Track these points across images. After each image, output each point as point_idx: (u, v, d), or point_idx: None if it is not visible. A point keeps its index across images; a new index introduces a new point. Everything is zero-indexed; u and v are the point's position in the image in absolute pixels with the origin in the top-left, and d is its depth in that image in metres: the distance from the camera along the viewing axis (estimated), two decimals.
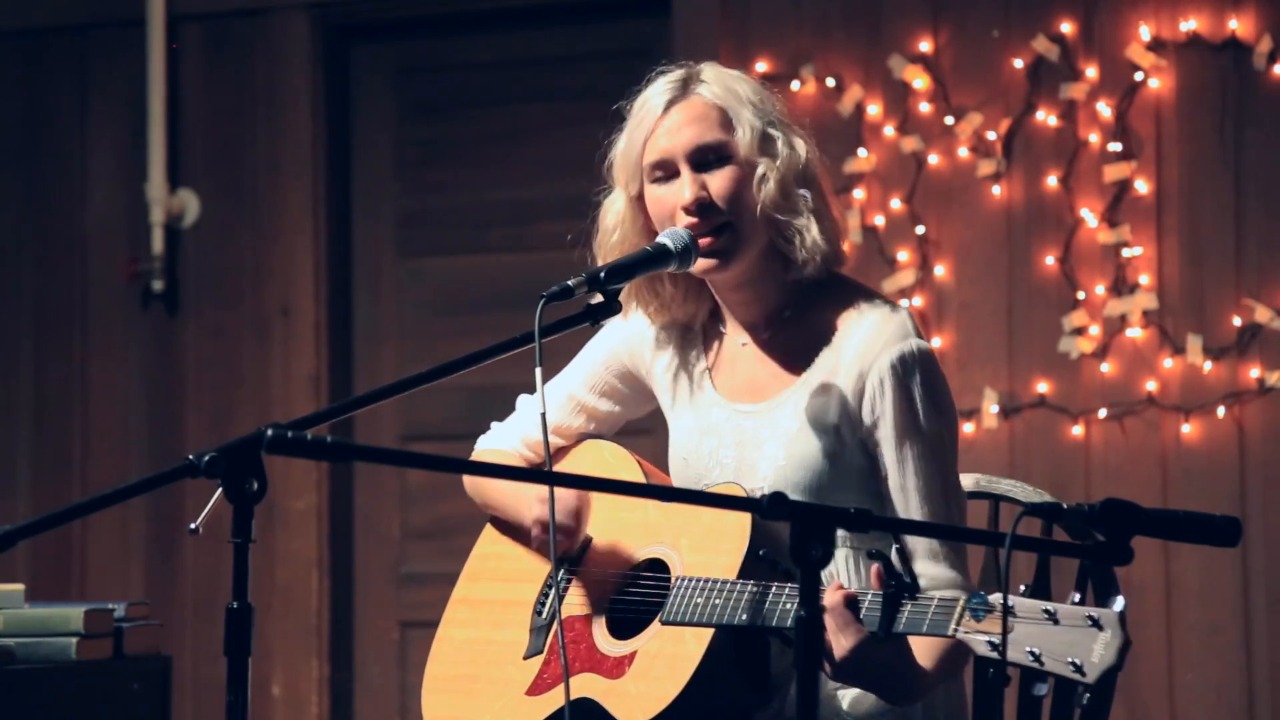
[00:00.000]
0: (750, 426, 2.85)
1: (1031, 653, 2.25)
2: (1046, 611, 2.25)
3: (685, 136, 2.81)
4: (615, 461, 2.97)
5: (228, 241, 5.60)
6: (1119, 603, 2.22)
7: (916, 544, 2.73)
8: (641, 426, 3.18)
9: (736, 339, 2.91)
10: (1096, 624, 2.21)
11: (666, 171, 2.82)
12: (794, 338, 2.85)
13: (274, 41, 5.59)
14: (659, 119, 2.83)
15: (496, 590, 2.98)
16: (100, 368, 5.66)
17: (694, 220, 2.78)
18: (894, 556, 2.43)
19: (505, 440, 3.10)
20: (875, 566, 2.43)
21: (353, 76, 5.71)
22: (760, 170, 2.79)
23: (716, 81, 2.84)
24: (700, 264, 2.80)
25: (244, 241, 5.59)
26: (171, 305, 5.62)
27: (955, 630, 2.33)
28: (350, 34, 5.69)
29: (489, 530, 3.09)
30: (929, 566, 2.72)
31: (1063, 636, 2.22)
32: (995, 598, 2.31)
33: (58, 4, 5.74)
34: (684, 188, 2.79)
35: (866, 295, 2.84)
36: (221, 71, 5.64)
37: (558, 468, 3.03)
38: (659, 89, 2.85)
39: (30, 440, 5.69)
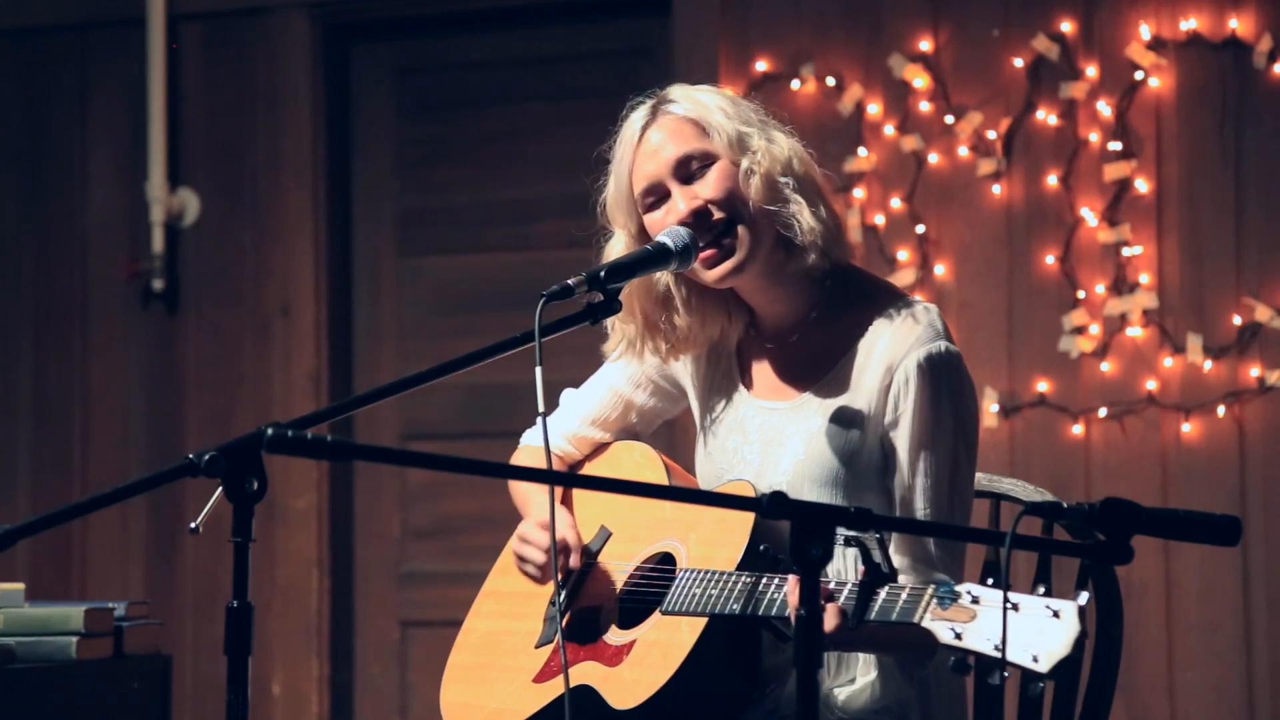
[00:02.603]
0: (776, 423, 2.87)
1: (990, 640, 2.26)
2: (1008, 600, 2.26)
3: (666, 154, 2.83)
4: (644, 462, 3.01)
5: (228, 241, 5.61)
6: (1082, 596, 2.24)
7: (913, 549, 2.74)
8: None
9: (766, 340, 2.92)
10: (1055, 615, 2.22)
11: (658, 195, 2.85)
12: (823, 337, 2.86)
13: (274, 41, 5.59)
14: (636, 148, 2.86)
15: (521, 583, 3.03)
16: (100, 367, 5.66)
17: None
18: (873, 545, 2.44)
19: (550, 436, 3.10)
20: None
21: (353, 76, 5.71)
22: (745, 166, 2.81)
23: (683, 98, 2.87)
24: (717, 271, 2.81)
25: (244, 241, 5.59)
26: (171, 305, 5.62)
27: (922, 618, 2.35)
28: (350, 34, 5.69)
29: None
30: (923, 571, 2.73)
31: (1022, 626, 2.24)
32: (962, 587, 2.33)
33: (58, 4, 5.74)
34: (677, 203, 2.82)
35: (896, 295, 2.86)
36: (221, 71, 5.64)
37: (594, 465, 3.08)
38: (631, 122, 2.88)
39: (30, 440, 5.70)
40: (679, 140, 2.83)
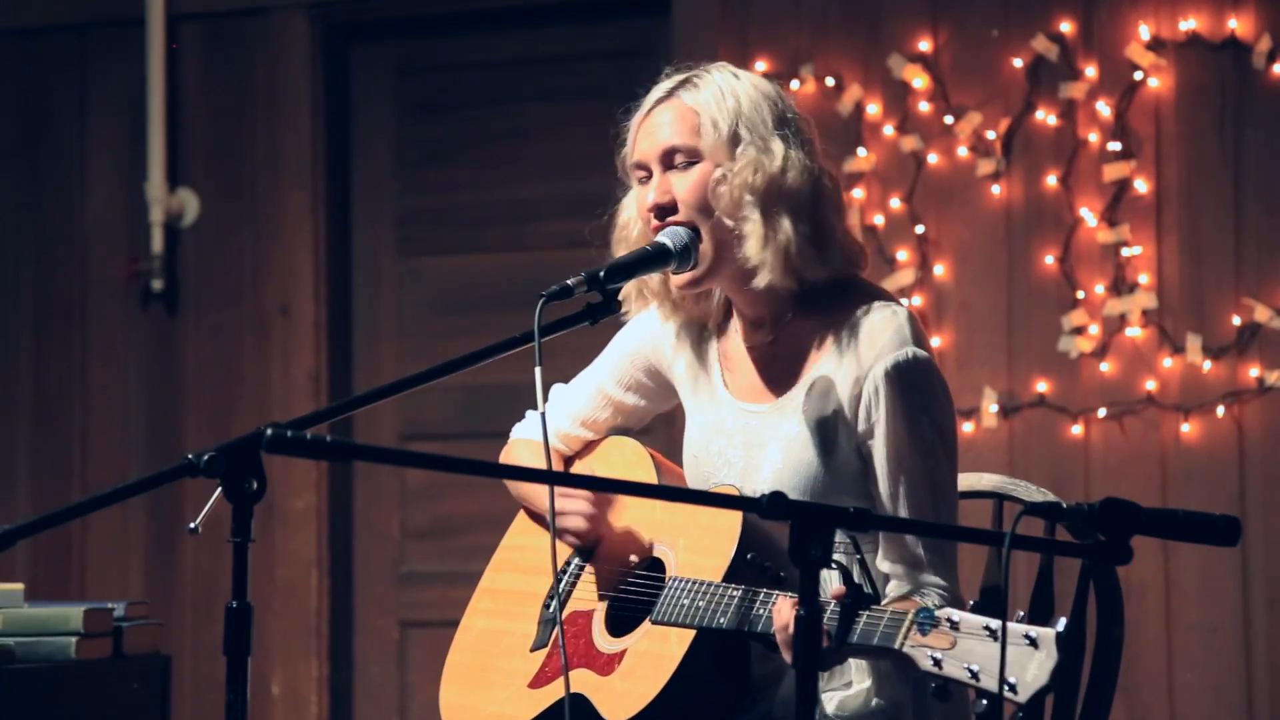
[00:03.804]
0: (756, 427, 2.86)
1: (970, 669, 2.25)
2: (987, 628, 2.26)
3: (659, 139, 2.83)
4: (634, 459, 3.00)
5: (227, 241, 5.61)
6: (1060, 623, 2.22)
7: (901, 554, 2.74)
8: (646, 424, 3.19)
9: (746, 339, 2.91)
10: (1033, 643, 2.21)
11: (645, 171, 2.85)
12: (799, 339, 2.85)
13: (274, 41, 5.59)
14: (643, 120, 2.86)
15: (516, 581, 3.02)
16: (100, 368, 5.66)
17: (657, 224, 2.81)
18: (854, 568, 2.43)
19: (539, 431, 3.09)
20: (834, 585, 2.44)
21: (353, 76, 5.71)
22: (718, 173, 2.79)
23: (707, 85, 2.84)
24: (675, 280, 2.82)
25: (244, 241, 5.59)
26: (171, 305, 5.62)
27: (902, 644, 2.34)
28: (350, 34, 5.69)
29: (519, 520, 3.13)
30: (912, 577, 2.73)
31: (999, 654, 2.22)
32: (942, 613, 2.32)
33: (58, 4, 5.74)
34: (648, 191, 2.83)
35: (871, 297, 2.83)
36: (221, 71, 5.64)
37: (584, 461, 3.08)
38: (653, 91, 2.88)
39: (30, 440, 5.69)
40: (674, 130, 2.81)
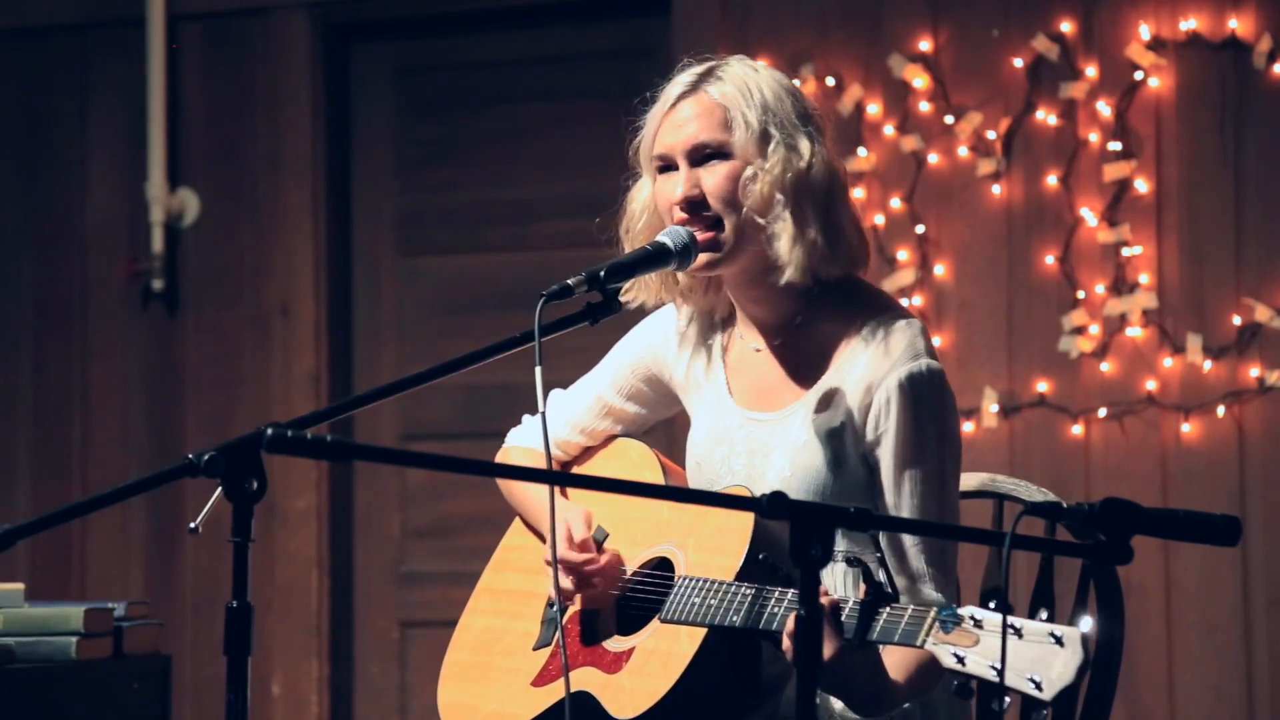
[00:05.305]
0: (761, 435, 2.85)
1: (993, 667, 2.25)
2: (1012, 626, 2.25)
3: (685, 133, 2.81)
4: (640, 461, 3.00)
5: (228, 241, 5.61)
6: (1085, 622, 2.23)
7: (904, 568, 2.73)
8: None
9: (751, 344, 2.90)
10: (1059, 641, 2.21)
11: (668, 164, 2.84)
12: (806, 346, 2.84)
13: (274, 41, 5.59)
14: (667, 113, 2.85)
15: (517, 581, 3.01)
16: (100, 367, 5.66)
17: (684, 217, 2.80)
18: (874, 565, 2.43)
19: (536, 437, 3.10)
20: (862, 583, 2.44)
21: (353, 76, 5.71)
22: (750, 171, 2.79)
23: (731, 79, 2.83)
24: (695, 260, 2.80)
25: (244, 241, 5.59)
26: (171, 305, 5.62)
27: (924, 641, 2.34)
28: (350, 34, 5.69)
29: (518, 522, 3.13)
30: (915, 591, 2.72)
31: (1025, 652, 2.22)
32: (965, 610, 2.32)
33: (58, 4, 5.74)
34: (677, 184, 2.81)
35: (881, 306, 2.83)
36: (221, 71, 5.64)
37: (589, 462, 3.08)
38: (675, 84, 2.86)
39: (30, 440, 5.69)
40: (701, 124, 2.81)
